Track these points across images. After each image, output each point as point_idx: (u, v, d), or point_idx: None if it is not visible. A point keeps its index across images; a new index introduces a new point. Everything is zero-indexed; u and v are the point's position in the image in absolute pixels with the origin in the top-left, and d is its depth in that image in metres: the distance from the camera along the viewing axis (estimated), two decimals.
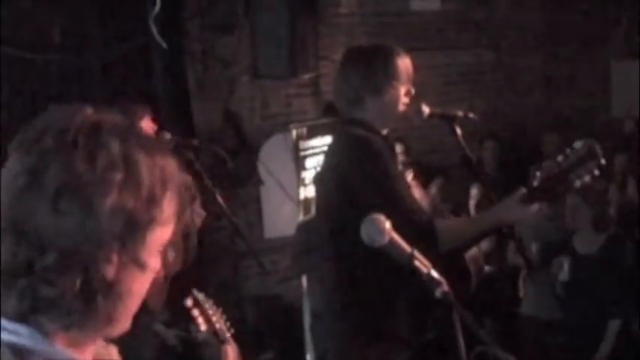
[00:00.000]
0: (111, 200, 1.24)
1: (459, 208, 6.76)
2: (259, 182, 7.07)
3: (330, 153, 3.58)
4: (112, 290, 1.28)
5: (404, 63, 3.40)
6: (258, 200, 7.19)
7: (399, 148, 6.53)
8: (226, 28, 6.82)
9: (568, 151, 3.18)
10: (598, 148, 3.17)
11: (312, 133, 6.83)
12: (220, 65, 6.98)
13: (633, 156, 7.17)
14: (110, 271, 1.27)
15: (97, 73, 6.18)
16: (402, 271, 2.22)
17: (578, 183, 3.18)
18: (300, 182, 6.72)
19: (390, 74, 3.35)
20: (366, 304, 3.31)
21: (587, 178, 3.16)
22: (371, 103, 3.35)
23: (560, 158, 3.18)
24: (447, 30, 8.52)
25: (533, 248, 5.57)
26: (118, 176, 1.25)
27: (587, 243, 5.20)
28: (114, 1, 6.15)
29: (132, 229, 1.27)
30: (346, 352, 3.38)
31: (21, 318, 1.27)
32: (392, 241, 2.03)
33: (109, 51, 6.13)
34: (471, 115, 3.64)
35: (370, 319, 3.31)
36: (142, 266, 1.31)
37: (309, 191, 6.40)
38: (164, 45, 5.89)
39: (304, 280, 5.93)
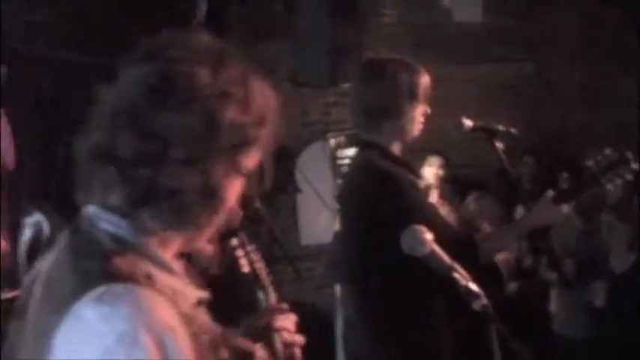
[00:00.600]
0: (231, 113, 1.35)
1: (498, 223, 6.70)
2: (297, 190, 7.07)
3: (350, 176, 3.54)
4: (217, 195, 1.37)
5: (424, 81, 3.29)
6: (294, 207, 7.20)
7: (437, 160, 6.51)
8: (267, 36, 6.86)
9: (599, 157, 3.18)
10: (629, 154, 3.16)
11: (350, 143, 6.84)
12: (261, 72, 6.99)
13: None
14: (219, 177, 1.36)
15: None
16: (433, 283, 2.21)
17: (610, 186, 3.18)
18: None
19: (411, 95, 3.25)
20: (396, 315, 3.30)
21: (618, 182, 3.16)
22: (387, 123, 3.28)
23: (590, 163, 3.18)
24: (487, 42, 8.48)
25: (567, 264, 5.52)
26: (239, 93, 1.38)
27: (622, 261, 5.14)
28: (157, 7, 6.21)
29: (242, 143, 1.38)
30: None
31: (125, 211, 1.34)
32: (432, 253, 2.04)
33: None
34: (513, 130, 3.62)
35: (400, 331, 3.30)
36: (242, 174, 1.42)
37: None
38: None
39: (337, 288, 5.94)
